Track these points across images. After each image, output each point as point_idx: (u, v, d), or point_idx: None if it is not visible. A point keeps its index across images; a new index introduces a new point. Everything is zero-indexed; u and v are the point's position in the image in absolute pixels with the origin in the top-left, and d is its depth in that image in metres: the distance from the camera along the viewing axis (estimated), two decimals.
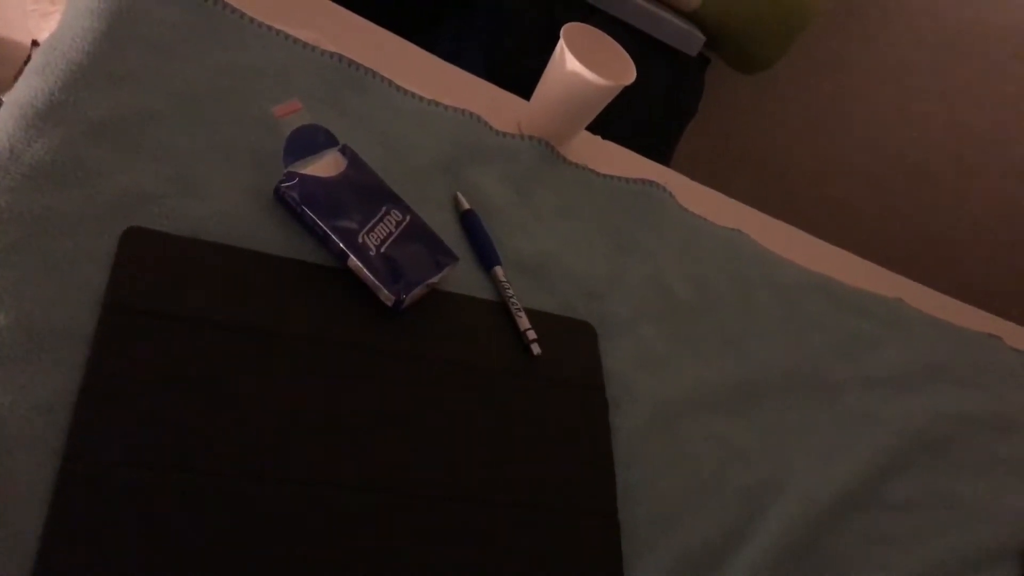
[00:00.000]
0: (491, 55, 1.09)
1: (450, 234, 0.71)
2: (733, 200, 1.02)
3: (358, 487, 0.55)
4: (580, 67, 0.77)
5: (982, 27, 1.42)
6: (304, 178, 0.63)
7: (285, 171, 0.63)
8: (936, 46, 1.46)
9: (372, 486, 0.55)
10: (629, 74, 0.81)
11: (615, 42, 0.83)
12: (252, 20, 0.74)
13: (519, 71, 1.07)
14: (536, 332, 0.68)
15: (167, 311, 0.54)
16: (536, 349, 0.68)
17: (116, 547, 0.46)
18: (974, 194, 1.65)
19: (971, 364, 0.99)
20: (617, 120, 0.98)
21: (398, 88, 0.79)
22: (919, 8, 1.43)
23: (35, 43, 0.98)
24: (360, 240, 0.62)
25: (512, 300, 0.69)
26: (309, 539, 0.51)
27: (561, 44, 0.78)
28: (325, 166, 0.64)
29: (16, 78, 1.10)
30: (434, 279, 0.65)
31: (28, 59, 1.04)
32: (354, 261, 0.62)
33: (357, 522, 0.53)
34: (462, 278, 0.69)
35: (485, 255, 0.72)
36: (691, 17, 1.20)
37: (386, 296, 0.62)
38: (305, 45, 0.76)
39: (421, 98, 0.80)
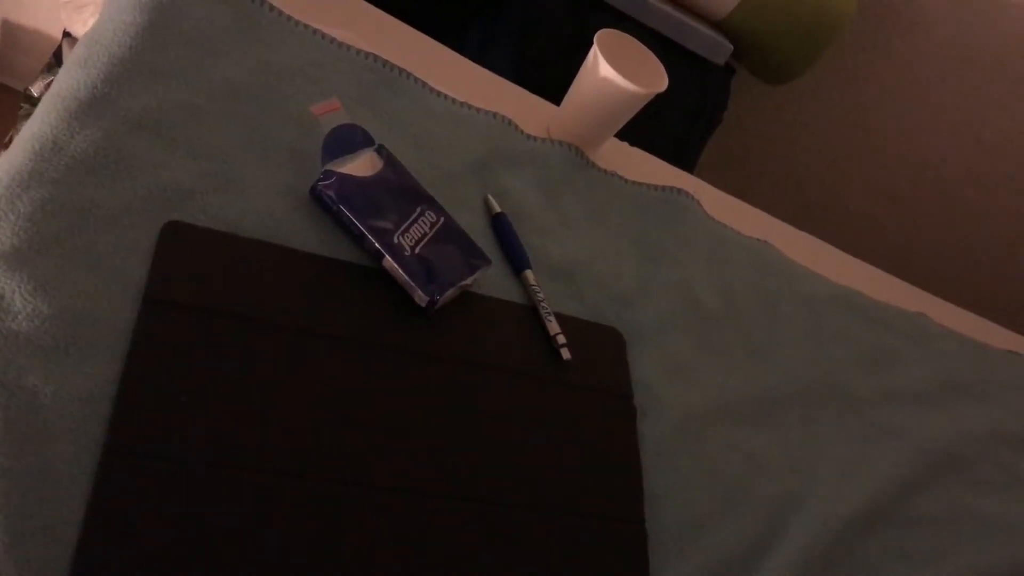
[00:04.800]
0: (519, 59, 1.10)
1: (480, 237, 0.71)
2: (756, 209, 1.02)
3: (387, 487, 0.55)
4: (614, 74, 0.77)
5: (1008, 42, 1.42)
6: (341, 177, 0.63)
7: (322, 169, 0.63)
8: (961, 60, 1.46)
9: (400, 486, 0.55)
10: (661, 82, 0.81)
11: (647, 49, 0.83)
12: (290, 19, 0.74)
13: (546, 75, 1.08)
14: (565, 337, 0.68)
15: (206, 306, 0.55)
16: (566, 354, 0.68)
17: (154, 539, 0.46)
18: (997, 210, 1.64)
19: (993, 381, 0.98)
20: (642, 127, 0.99)
21: (431, 89, 0.80)
22: (944, 23, 1.43)
23: (66, 34, 0.98)
24: (395, 240, 0.63)
25: (542, 304, 0.69)
26: (339, 536, 0.51)
27: (595, 50, 0.78)
28: (362, 166, 0.65)
29: (43, 70, 1.11)
30: (467, 281, 0.65)
31: (57, 50, 1.04)
32: (389, 261, 0.62)
33: (383, 521, 0.53)
34: (492, 281, 0.69)
35: (516, 259, 0.72)
36: (719, 26, 1.20)
37: (420, 297, 0.62)
38: (341, 45, 0.76)
39: (453, 100, 0.80)
